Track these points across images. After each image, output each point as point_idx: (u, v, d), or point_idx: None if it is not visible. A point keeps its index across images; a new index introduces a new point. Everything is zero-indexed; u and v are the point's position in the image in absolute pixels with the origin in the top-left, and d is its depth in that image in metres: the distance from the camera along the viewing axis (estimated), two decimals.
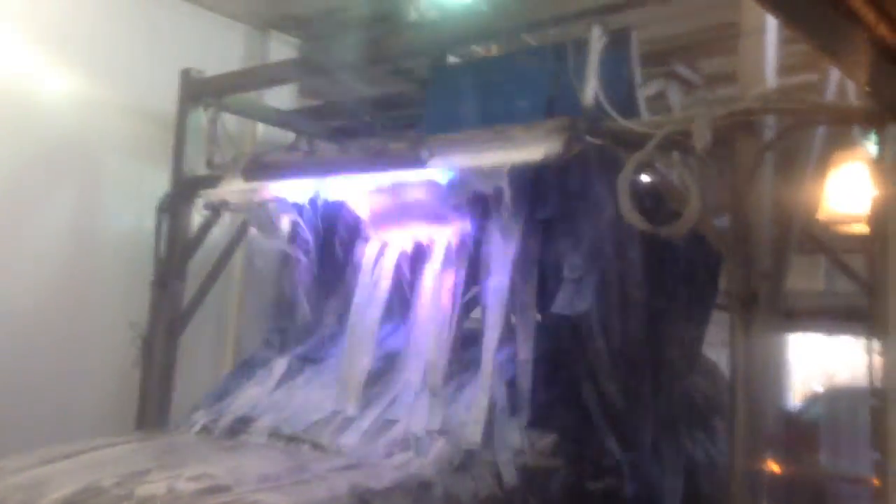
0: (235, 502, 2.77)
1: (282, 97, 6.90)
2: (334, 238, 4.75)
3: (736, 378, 3.65)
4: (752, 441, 3.59)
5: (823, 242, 5.89)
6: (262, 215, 4.74)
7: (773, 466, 3.72)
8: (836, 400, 8.10)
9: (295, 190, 4.37)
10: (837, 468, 7.42)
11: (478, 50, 5.16)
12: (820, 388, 9.81)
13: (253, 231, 6.48)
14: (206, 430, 4.17)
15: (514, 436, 3.59)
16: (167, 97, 6.10)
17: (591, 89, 3.72)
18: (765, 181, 3.66)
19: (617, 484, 3.97)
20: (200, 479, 2.97)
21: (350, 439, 3.70)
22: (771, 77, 3.78)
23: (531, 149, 3.72)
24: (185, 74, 5.98)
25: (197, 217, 5.85)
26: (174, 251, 5.80)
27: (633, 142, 3.69)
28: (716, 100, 4.40)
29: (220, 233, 6.15)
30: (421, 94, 5.41)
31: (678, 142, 3.64)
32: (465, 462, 3.46)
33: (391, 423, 3.75)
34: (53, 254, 5.81)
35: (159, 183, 6.02)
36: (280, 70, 5.78)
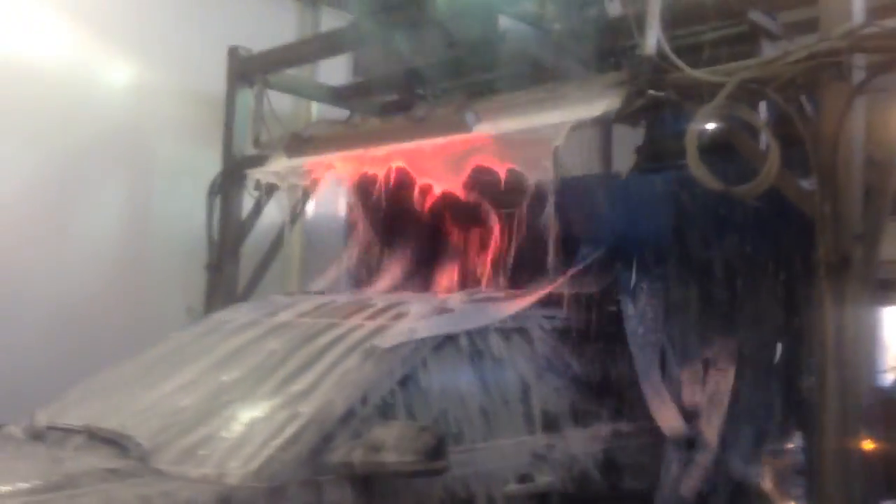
0: None
1: (335, 76, 6.72)
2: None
3: (826, 351, 3.27)
4: (844, 419, 3.22)
5: None
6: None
7: (866, 445, 3.38)
8: None
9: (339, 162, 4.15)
10: None
11: (531, 8, 4.82)
12: None
13: (310, 209, 6.39)
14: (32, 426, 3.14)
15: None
16: (218, 77, 5.97)
17: (652, 36, 3.35)
18: (855, 131, 3.24)
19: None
20: None
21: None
22: (858, 18, 3.35)
23: (587, 106, 3.40)
24: (233, 52, 5.84)
25: (249, 198, 5.73)
26: (227, 234, 5.69)
27: (703, 94, 3.32)
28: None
29: (275, 213, 6.04)
30: (474, 62, 5.11)
31: (754, 91, 3.27)
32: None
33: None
34: (108, 240, 5.82)
35: (212, 165, 5.92)
36: (327, 41, 5.57)
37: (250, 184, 5.46)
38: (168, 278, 5.95)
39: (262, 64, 5.72)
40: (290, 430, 2.59)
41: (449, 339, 3.14)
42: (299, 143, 4.25)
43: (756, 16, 4.66)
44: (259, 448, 2.53)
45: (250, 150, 5.67)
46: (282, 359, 3.10)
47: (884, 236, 3.36)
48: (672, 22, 3.59)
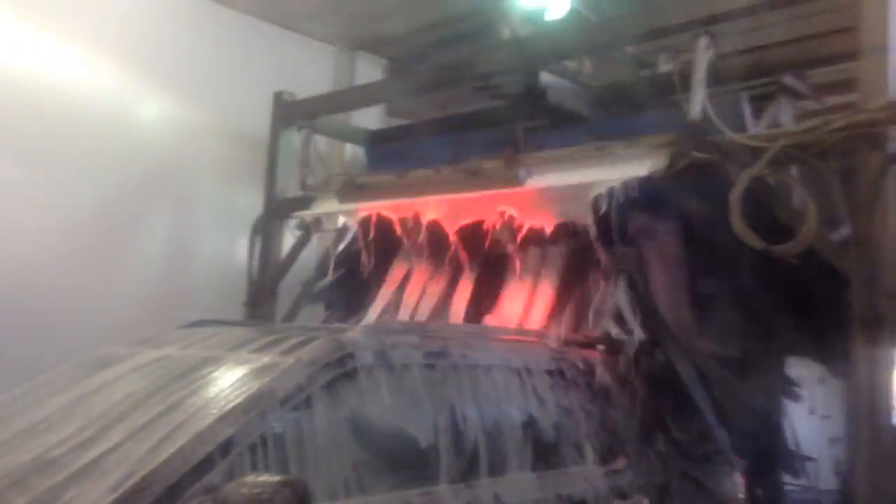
0: None
1: (369, 117, 6.95)
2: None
3: (858, 407, 3.41)
4: (877, 472, 3.34)
5: None
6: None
7: None
8: None
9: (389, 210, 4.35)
10: None
11: (572, 65, 5.04)
12: None
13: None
14: None
15: None
16: (259, 120, 6.18)
17: (697, 102, 3.56)
18: (890, 196, 3.42)
19: None
20: None
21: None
22: (893, 87, 3.55)
23: (634, 165, 3.59)
24: (278, 97, 6.06)
25: (289, 238, 5.91)
26: (266, 272, 5.85)
27: (744, 156, 3.52)
28: (833, 111, 4.15)
29: (313, 253, 6.21)
30: (511, 112, 5.31)
31: (793, 156, 3.46)
32: None
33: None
34: (150, 277, 5.97)
35: (252, 205, 6.11)
36: (371, 91, 5.78)
37: (293, 224, 5.64)
38: (207, 315, 6.08)
39: (306, 110, 5.94)
40: (125, 487, 2.19)
41: (343, 376, 2.72)
42: (352, 189, 4.45)
43: (786, 77, 4.88)
44: None
45: (292, 192, 5.87)
46: (142, 399, 2.71)
47: None
48: (710, 80, 3.79)
